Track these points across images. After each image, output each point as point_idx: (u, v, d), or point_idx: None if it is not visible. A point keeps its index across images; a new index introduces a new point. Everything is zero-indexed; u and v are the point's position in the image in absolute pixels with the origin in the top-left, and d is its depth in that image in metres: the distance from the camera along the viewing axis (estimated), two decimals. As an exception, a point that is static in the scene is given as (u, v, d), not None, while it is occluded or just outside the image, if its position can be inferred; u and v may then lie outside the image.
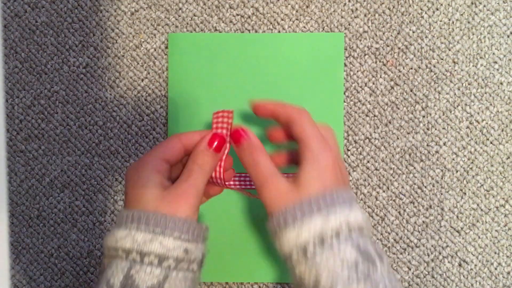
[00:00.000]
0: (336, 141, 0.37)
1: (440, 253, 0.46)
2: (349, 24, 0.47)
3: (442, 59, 0.46)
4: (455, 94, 0.46)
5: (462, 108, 0.46)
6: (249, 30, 0.47)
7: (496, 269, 0.46)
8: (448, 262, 0.46)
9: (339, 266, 0.29)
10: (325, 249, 0.30)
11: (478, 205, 0.46)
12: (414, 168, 0.46)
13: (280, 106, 0.37)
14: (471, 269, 0.46)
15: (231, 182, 0.42)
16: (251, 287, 0.46)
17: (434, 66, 0.46)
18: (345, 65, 0.46)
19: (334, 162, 0.34)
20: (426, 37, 0.46)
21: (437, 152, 0.46)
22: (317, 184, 0.32)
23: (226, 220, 0.46)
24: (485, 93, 0.46)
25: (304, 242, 0.30)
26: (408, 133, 0.46)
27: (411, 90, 0.46)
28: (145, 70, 0.47)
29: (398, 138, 0.46)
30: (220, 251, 0.46)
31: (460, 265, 0.46)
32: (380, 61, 0.46)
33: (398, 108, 0.46)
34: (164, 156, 0.35)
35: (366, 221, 0.32)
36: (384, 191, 0.46)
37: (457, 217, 0.46)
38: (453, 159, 0.46)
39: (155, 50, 0.47)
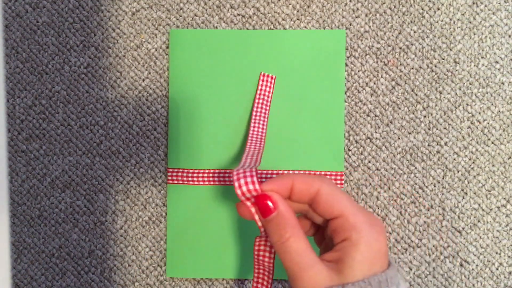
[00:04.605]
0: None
1: (441, 253, 0.46)
2: (350, 24, 0.46)
3: (443, 59, 0.46)
4: (456, 94, 0.46)
5: (463, 108, 0.46)
6: (250, 30, 0.47)
7: (497, 269, 0.46)
8: (450, 262, 0.46)
9: None
10: None
11: (479, 205, 0.46)
12: (415, 168, 0.46)
13: (295, 180, 0.31)
14: (473, 269, 0.46)
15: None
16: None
17: (436, 66, 0.46)
18: (346, 64, 0.46)
19: (386, 245, 0.30)
20: (428, 37, 0.46)
21: (438, 152, 0.46)
22: (365, 271, 0.29)
23: (223, 220, 0.46)
24: (487, 93, 0.46)
25: None
26: (409, 133, 0.46)
27: (412, 90, 0.46)
28: (146, 70, 0.47)
29: (399, 138, 0.46)
30: (220, 249, 0.46)
31: (461, 265, 0.46)
32: (381, 61, 0.46)
33: (399, 108, 0.46)
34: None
35: None
36: (385, 191, 0.46)
37: (459, 217, 0.46)
38: (454, 159, 0.46)
39: (156, 50, 0.47)
